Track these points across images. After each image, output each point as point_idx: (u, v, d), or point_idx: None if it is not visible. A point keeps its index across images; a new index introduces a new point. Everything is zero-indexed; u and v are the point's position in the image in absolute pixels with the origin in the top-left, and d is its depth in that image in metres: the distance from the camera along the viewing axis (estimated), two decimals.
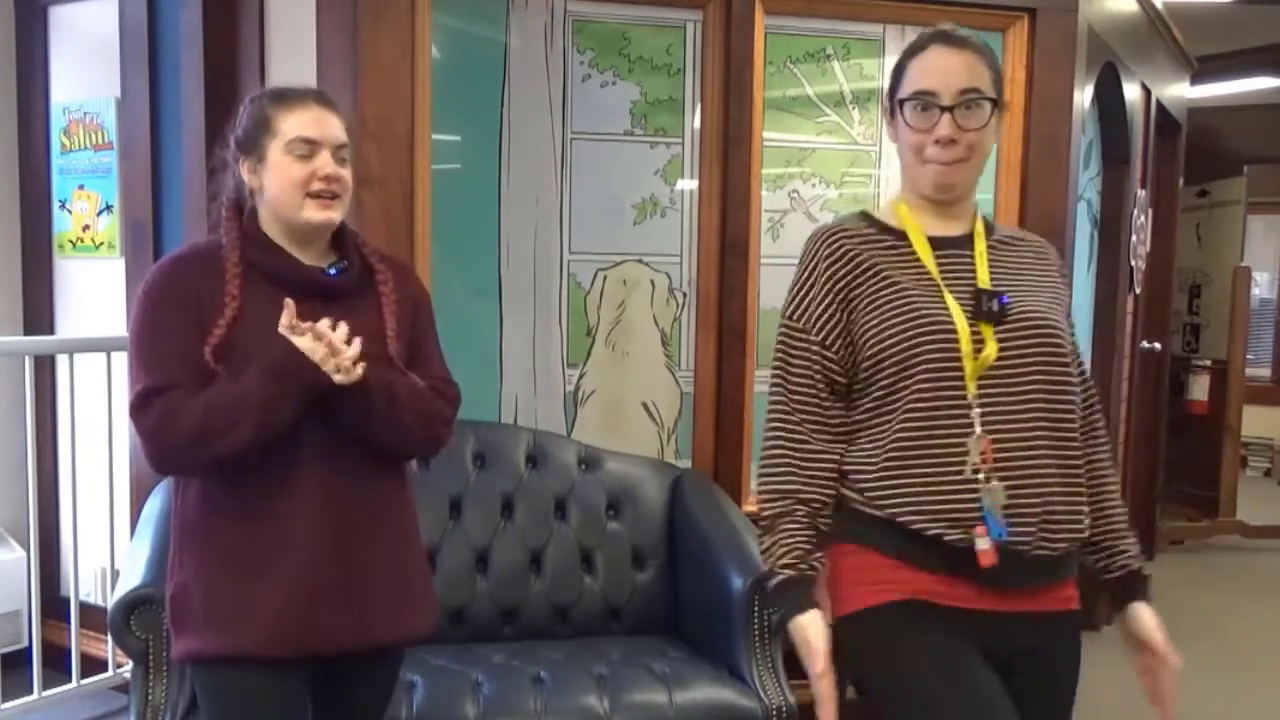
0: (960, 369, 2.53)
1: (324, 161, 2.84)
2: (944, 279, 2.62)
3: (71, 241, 5.53)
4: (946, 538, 2.51)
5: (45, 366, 5.45)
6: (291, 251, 2.90)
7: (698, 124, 4.89)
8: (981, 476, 2.50)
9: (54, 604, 5.39)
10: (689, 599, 4.35)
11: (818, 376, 2.67)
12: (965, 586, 2.54)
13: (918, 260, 2.65)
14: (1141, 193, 7.17)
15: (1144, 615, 2.78)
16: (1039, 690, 2.66)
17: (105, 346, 5.12)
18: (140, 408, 2.75)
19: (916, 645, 2.54)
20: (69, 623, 5.12)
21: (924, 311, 2.57)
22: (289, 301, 2.74)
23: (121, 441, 5.21)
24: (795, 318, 2.70)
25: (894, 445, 2.57)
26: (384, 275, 3.01)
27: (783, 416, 2.70)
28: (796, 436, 2.67)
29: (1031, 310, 2.62)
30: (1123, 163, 6.81)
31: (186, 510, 2.90)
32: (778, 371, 2.72)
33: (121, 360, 5.00)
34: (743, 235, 4.89)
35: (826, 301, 2.65)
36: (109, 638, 4.73)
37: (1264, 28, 9.40)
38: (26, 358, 5.01)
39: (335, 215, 2.90)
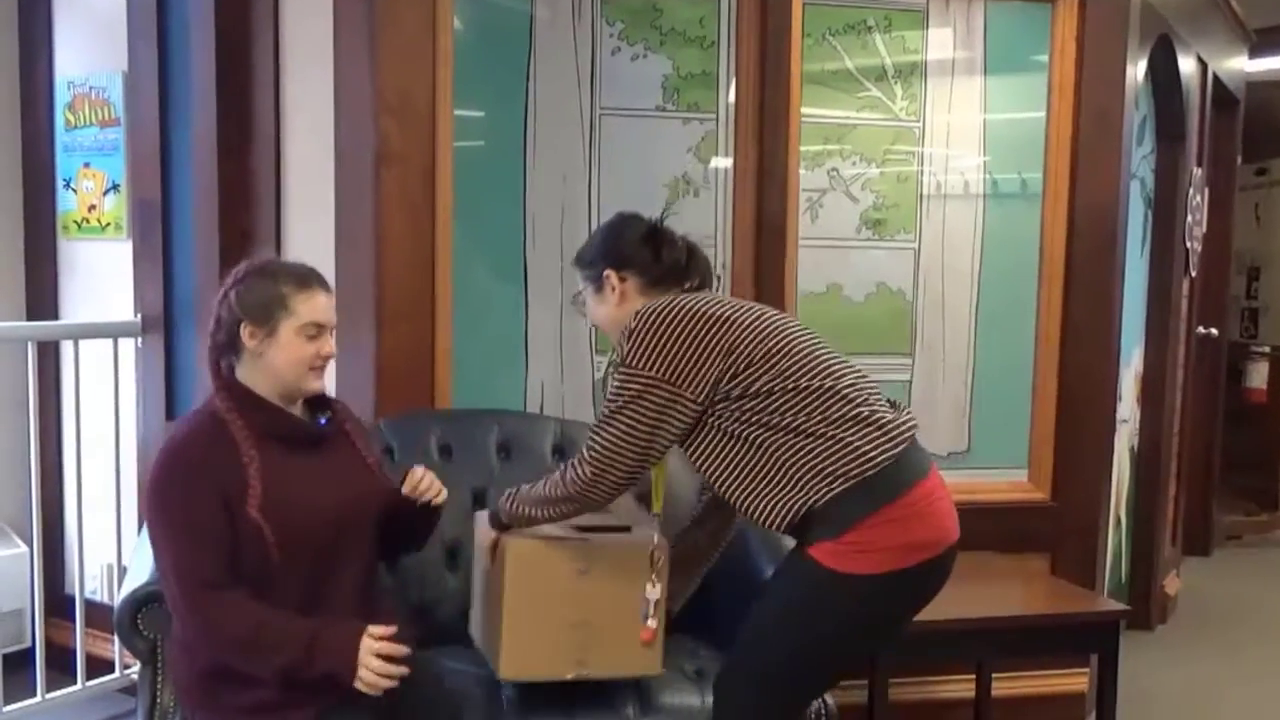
0: None
1: (326, 342, 3.34)
2: None
3: (76, 222, 5.53)
4: None
5: (49, 353, 5.44)
6: (279, 405, 3.35)
7: (733, 99, 4.86)
8: None
9: (58, 602, 5.38)
10: (720, 595, 4.29)
11: None
12: None
13: None
14: (1197, 171, 7.13)
15: None
16: None
17: (112, 332, 5.16)
18: (199, 597, 3.14)
19: None
20: (74, 622, 5.13)
21: None
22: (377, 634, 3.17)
23: (128, 432, 5.22)
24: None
25: None
26: (344, 414, 3.54)
27: None
28: None
29: None
30: (1178, 139, 6.77)
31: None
32: None
33: (128, 347, 5.25)
34: (780, 215, 4.87)
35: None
36: (115, 637, 4.54)
37: None
38: (29, 344, 4.99)
39: (324, 383, 3.42)
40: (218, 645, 3.17)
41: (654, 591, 3.51)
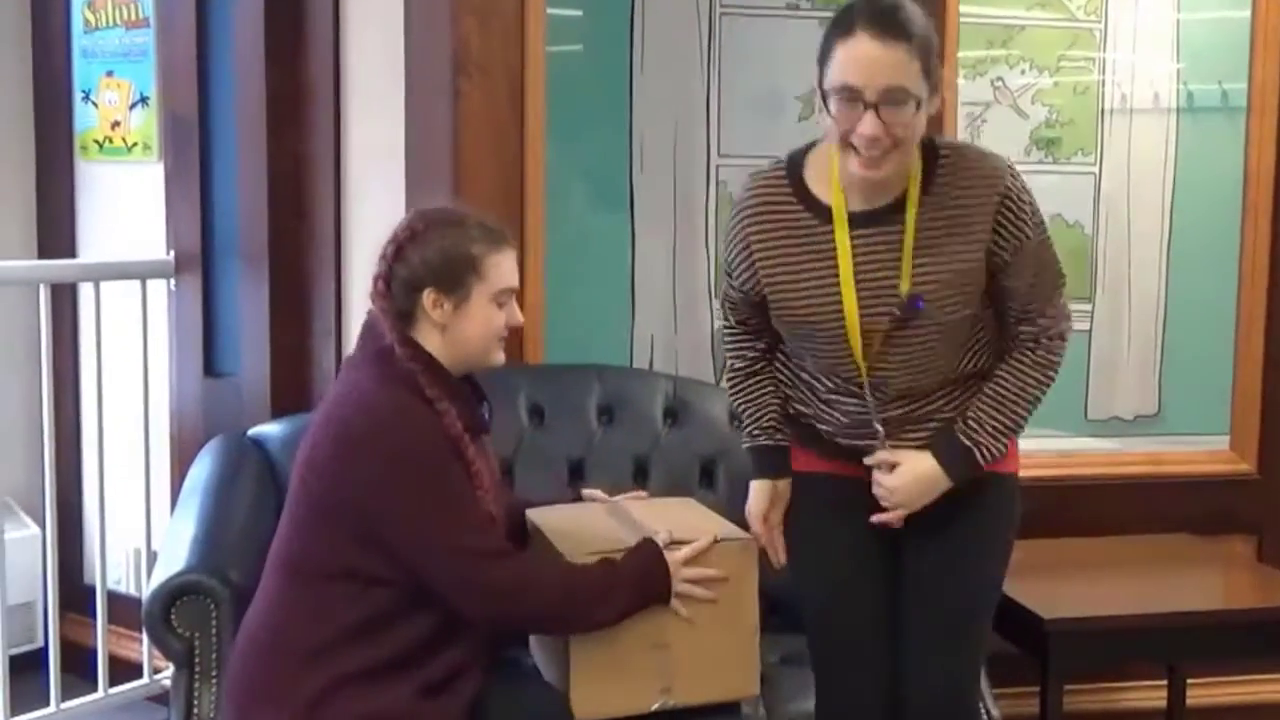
0: (849, 354, 3.03)
1: (515, 309, 3.22)
2: (856, 264, 2.99)
3: (97, 142, 5.33)
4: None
5: (65, 297, 5.27)
6: None
7: None
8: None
9: (76, 594, 5.21)
10: None
11: (738, 311, 3.30)
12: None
13: (830, 243, 3.01)
14: None
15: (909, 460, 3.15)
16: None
17: (140, 273, 4.98)
18: (506, 566, 3.10)
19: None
20: (94, 618, 4.94)
21: (812, 308, 3.04)
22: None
23: (159, 392, 5.07)
24: (726, 259, 3.26)
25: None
26: None
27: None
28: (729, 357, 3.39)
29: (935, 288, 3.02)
30: None
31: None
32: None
33: (159, 289, 5.06)
34: (934, 133, 4.38)
35: (739, 259, 3.14)
36: (144, 636, 4.70)
37: None
38: (42, 286, 4.82)
39: None
40: (536, 613, 3.16)
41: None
